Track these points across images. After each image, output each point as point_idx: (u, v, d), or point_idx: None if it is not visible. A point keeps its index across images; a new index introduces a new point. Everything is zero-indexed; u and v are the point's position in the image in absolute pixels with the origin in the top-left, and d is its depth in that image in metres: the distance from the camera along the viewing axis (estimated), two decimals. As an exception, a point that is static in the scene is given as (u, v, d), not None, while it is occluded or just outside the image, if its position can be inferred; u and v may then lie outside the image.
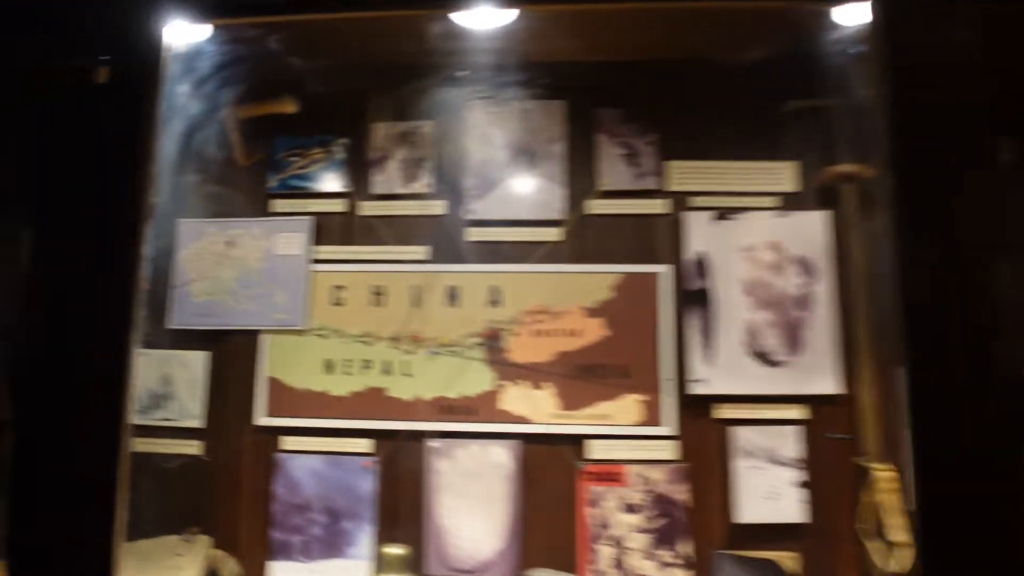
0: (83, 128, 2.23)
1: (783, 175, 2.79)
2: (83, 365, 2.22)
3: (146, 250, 2.15)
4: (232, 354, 2.81)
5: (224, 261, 2.85)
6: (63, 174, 2.27)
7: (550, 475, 2.67)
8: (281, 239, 2.83)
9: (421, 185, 2.83)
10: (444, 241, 2.79)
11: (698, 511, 2.62)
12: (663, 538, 2.60)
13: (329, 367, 2.74)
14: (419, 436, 2.68)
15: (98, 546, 2.13)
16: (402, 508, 2.68)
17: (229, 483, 2.75)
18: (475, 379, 2.69)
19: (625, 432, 2.65)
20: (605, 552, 2.59)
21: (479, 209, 2.81)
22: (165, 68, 2.23)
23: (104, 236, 2.23)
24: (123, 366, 2.16)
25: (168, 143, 2.44)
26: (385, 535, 2.67)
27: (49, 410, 2.19)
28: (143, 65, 2.23)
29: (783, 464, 2.63)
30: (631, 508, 2.63)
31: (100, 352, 2.19)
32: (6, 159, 2.43)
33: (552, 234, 2.77)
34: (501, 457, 2.67)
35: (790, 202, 2.77)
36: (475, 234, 2.78)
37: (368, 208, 2.83)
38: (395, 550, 2.60)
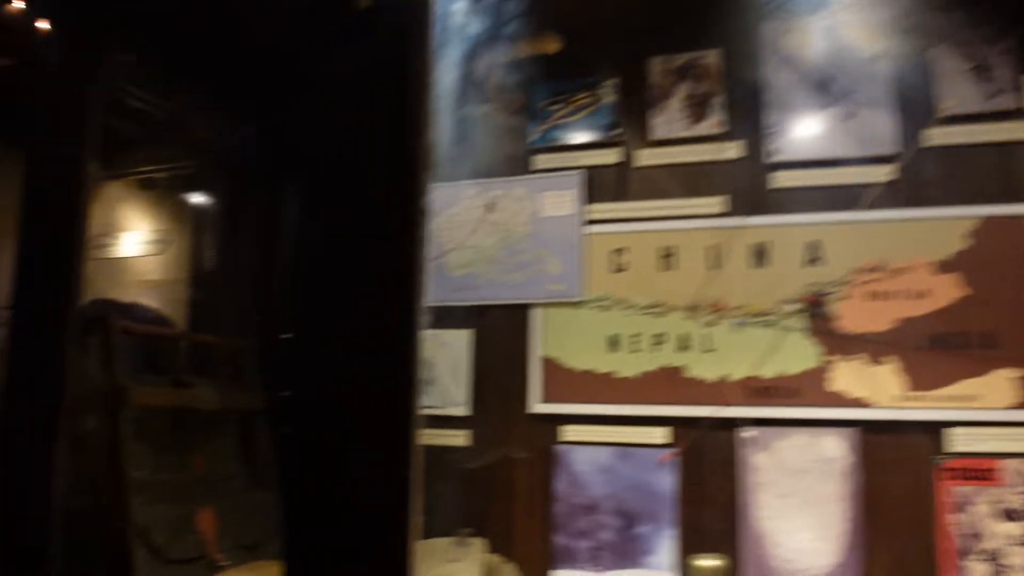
0: (346, 64, 1.90)
1: None
2: (363, 346, 1.87)
3: (429, 204, 1.79)
4: (498, 332, 2.49)
5: (484, 227, 2.51)
6: (325, 121, 1.94)
7: (898, 471, 2.17)
8: (548, 199, 2.47)
9: (711, 125, 2.38)
10: (744, 189, 2.33)
11: (1103, 519, 2.00)
12: (1056, 553, 2.01)
13: (614, 344, 2.35)
14: (728, 424, 2.23)
15: (391, 550, 1.78)
16: (710, 510, 2.25)
17: (502, 479, 2.42)
18: (795, 354, 2.21)
19: (997, 417, 2.09)
20: (977, 570, 2.04)
21: (786, 148, 2.32)
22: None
23: (380, 190, 1.88)
24: (411, 345, 1.80)
25: (445, 74, 2.11)
26: (691, 543, 2.24)
27: (326, 398, 1.87)
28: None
29: None
30: (1010, 514, 2.07)
31: (383, 330, 1.84)
32: (256, 111, 2.20)
33: (883, 173, 2.25)
34: (834, 449, 2.17)
35: None
36: (783, 179, 2.29)
37: (647, 157, 2.42)
38: (707, 562, 2.16)
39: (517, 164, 2.56)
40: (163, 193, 3.89)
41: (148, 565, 2.39)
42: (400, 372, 1.80)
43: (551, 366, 2.41)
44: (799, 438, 2.23)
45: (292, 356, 2.00)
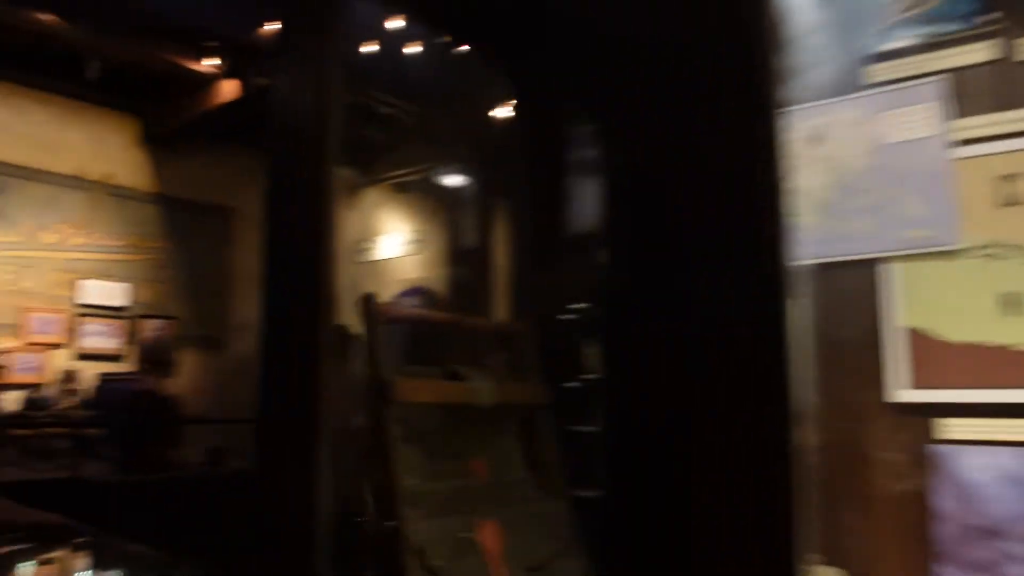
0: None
1: None
2: (708, 321, 1.45)
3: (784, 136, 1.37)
4: (840, 298, 1.99)
5: (809, 165, 1.97)
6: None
7: None
8: (896, 119, 1.91)
9: None
10: None
11: None
12: None
13: (1012, 305, 1.77)
14: None
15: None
16: None
17: (860, 491, 1.89)
18: None
19: None
20: None
21: None
22: None
23: (721, 126, 1.47)
24: (776, 316, 1.34)
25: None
26: None
27: (657, 387, 1.48)
28: None
29: None
30: None
31: (734, 300, 1.41)
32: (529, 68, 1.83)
33: None
34: None
35: None
36: None
37: (1042, 45, 1.75)
38: None
39: (846, 79, 1.98)
40: (420, 192, 3.72)
41: (425, 590, 2.10)
42: (763, 352, 1.33)
43: (919, 340, 1.84)
44: None
45: (599, 338, 1.62)
